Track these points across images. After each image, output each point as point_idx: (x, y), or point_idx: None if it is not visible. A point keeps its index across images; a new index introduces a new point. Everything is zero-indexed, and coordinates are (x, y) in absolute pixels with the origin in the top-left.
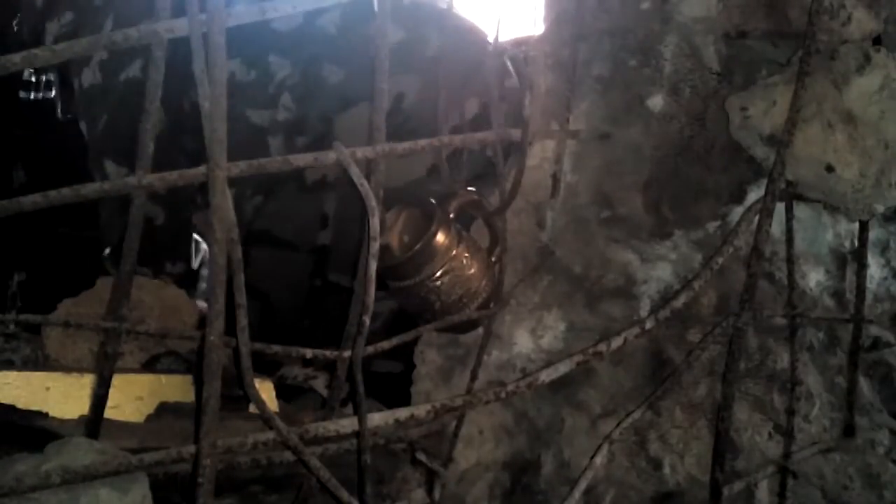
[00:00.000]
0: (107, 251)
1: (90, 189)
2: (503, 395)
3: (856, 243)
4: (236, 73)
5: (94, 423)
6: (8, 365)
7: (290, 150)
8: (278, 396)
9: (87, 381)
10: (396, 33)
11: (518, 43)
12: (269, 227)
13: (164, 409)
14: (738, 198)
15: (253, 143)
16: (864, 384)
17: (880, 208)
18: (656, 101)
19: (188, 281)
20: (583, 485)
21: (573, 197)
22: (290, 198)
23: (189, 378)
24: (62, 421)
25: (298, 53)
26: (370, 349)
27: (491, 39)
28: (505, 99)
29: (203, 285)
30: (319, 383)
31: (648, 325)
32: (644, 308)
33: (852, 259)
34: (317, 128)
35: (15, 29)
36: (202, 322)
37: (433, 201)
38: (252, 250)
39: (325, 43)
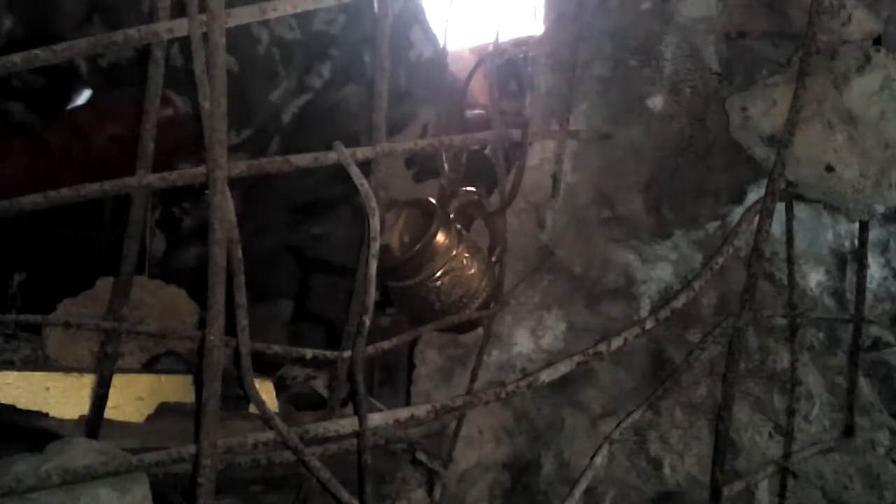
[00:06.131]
0: None
1: (90, 189)
2: (503, 395)
3: (856, 243)
4: None
5: (94, 423)
6: (8, 365)
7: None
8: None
9: (87, 381)
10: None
11: (518, 43)
12: (330, 256)
13: (164, 409)
14: (738, 198)
15: None
16: (864, 384)
17: (880, 208)
18: (656, 101)
19: None
20: (583, 485)
21: (573, 197)
22: (346, 226)
23: (189, 378)
24: (62, 421)
25: None
26: (370, 349)
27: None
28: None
29: None
30: (319, 383)
31: (648, 325)
32: (644, 308)
33: (852, 259)
34: None
35: None
36: (202, 322)
37: (433, 201)
38: (313, 278)
39: None
